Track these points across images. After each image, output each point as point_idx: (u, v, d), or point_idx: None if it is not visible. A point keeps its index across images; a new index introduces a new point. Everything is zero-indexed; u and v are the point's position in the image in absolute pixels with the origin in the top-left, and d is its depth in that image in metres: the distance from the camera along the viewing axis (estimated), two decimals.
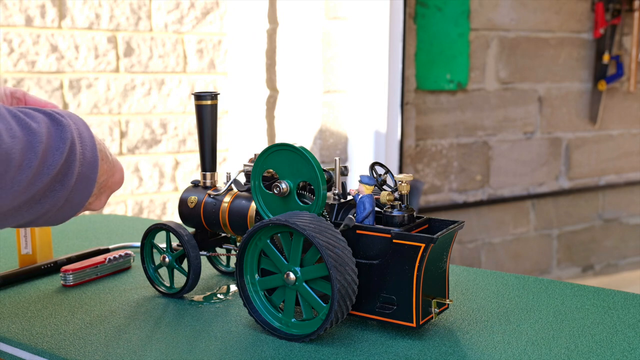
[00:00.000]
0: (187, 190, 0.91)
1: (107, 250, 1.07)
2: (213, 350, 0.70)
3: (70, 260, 1.00)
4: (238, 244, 0.93)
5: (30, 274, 0.95)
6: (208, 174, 0.90)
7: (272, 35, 2.20)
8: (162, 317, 0.80)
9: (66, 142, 0.61)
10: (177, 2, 2.20)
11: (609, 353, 0.69)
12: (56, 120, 0.61)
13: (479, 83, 2.73)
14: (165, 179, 2.26)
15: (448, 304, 0.76)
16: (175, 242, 0.89)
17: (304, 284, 0.72)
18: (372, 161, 0.83)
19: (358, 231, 0.73)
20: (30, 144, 0.57)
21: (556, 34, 2.89)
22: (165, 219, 2.28)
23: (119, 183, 0.74)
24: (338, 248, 0.69)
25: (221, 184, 0.89)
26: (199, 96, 0.88)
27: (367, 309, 0.73)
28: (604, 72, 2.96)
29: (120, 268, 0.99)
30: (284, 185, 0.75)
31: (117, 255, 0.98)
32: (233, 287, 0.91)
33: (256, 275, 0.76)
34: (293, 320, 0.74)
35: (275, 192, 0.76)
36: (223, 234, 0.92)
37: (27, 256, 1.00)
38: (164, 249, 0.88)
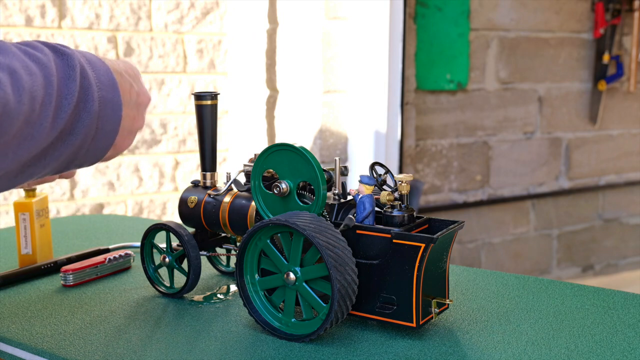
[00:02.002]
0: (187, 190, 0.91)
1: (107, 250, 1.07)
2: (213, 350, 0.70)
3: (70, 260, 1.00)
4: (238, 244, 0.93)
5: (30, 274, 0.95)
6: (208, 174, 0.90)
7: (272, 35, 2.20)
8: (162, 317, 0.80)
9: (75, 69, 0.60)
10: (177, 2, 2.20)
11: (609, 353, 0.69)
12: (59, 51, 0.61)
13: (479, 83, 2.73)
14: (165, 179, 2.26)
15: (448, 304, 0.76)
16: (175, 242, 0.89)
17: (304, 284, 0.72)
18: (372, 161, 0.83)
19: (358, 231, 0.73)
20: (47, 78, 0.57)
21: (556, 34, 2.89)
22: (165, 219, 2.28)
23: (147, 94, 0.73)
24: (338, 248, 0.69)
25: (221, 184, 0.89)
26: (199, 96, 0.88)
27: (367, 309, 0.73)
28: (604, 72, 2.96)
29: (120, 268, 0.99)
30: (284, 185, 0.75)
31: (117, 255, 0.98)
32: (233, 287, 0.91)
33: (256, 275, 0.76)
34: (293, 320, 0.74)
35: (275, 192, 0.76)
36: (223, 234, 0.92)
37: (27, 256, 1.00)
38: (164, 249, 0.88)
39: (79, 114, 0.60)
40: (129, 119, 0.68)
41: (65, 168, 0.64)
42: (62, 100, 0.58)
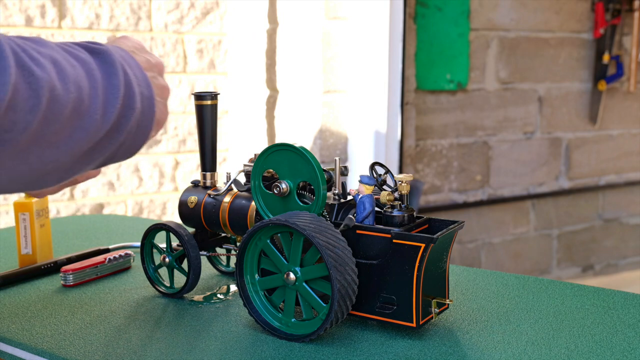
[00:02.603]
0: (187, 190, 0.91)
1: (107, 250, 1.07)
2: (213, 350, 0.70)
3: (70, 260, 1.00)
4: (238, 244, 0.93)
5: (30, 274, 0.95)
6: (208, 174, 0.90)
7: (272, 35, 2.20)
8: (162, 317, 0.80)
9: (115, 66, 0.60)
10: (177, 2, 2.20)
11: (609, 353, 0.69)
12: (95, 50, 0.61)
13: (479, 83, 2.73)
14: (165, 179, 2.26)
15: (448, 304, 0.76)
16: (175, 242, 0.89)
17: (304, 284, 0.72)
18: (372, 161, 0.83)
19: (358, 231, 0.73)
20: (89, 73, 0.57)
21: (556, 34, 2.89)
22: (165, 219, 2.28)
23: (158, 60, 0.72)
24: (338, 248, 0.69)
25: (221, 184, 0.89)
26: (199, 96, 0.88)
27: (367, 309, 0.73)
28: (604, 72, 2.96)
29: (120, 268, 0.99)
30: (284, 185, 0.75)
31: (117, 255, 0.98)
32: (233, 287, 0.91)
33: (256, 275, 0.76)
34: (293, 320, 0.74)
35: (275, 192, 0.76)
36: (223, 234, 0.92)
37: (27, 256, 1.00)
38: (164, 249, 0.88)
39: (124, 110, 0.59)
40: (159, 90, 0.69)
41: (102, 164, 0.63)
42: (108, 95, 0.58)
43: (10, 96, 0.47)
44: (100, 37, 2.08)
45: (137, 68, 0.64)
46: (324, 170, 0.76)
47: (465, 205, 2.78)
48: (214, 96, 0.88)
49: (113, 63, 0.60)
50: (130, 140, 0.62)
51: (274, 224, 0.71)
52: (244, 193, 0.85)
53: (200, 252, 0.88)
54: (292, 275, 0.72)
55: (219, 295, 0.88)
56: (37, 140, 0.52)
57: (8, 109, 0.47)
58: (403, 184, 0.74)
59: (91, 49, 0.60)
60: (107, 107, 0.57)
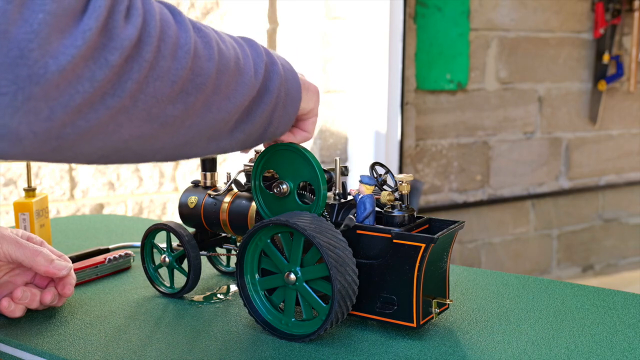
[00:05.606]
0: (187, 190, 0.91)
1: (107, 250, 1.06)
2: (213, 350, 0.70)
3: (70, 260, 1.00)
4: (238, 244, 0.93)
5: None
6: (208, 174, 0.90)
7: (272, 35, 2.20)
8: (162, 317, 0.80)
9: (253, 40, 0.68)
10: (177, 2, 2.20)
11: (609, 353, 0.69)
12: (248, 41, 0.67)
13: (479, 83, 2.73)
14: (165, 179, 2.26)
15: (448, 304, 0.76)
16: (175, 242, 0.89)
17: (304, 284, 0.72)
18: (372, 161, 0.83)
19: (358, 231, 0.73)
20: (234, 39, 0.65)
21: (556, 34, 2.89)
22: (165, 219, 2.28)
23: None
24: (338, 248, 0.69)
25: (221, 184, 0.89)
26: None
27: (367, 309, 0.73)
28: (604, 72, 2.95)
29: (120, 268, 0.99)
30: (284, 186, 0.75)
31: (117, 255, 0.98)
32: (233, 287, 0.91)
33: (256, 275, 0.76)
34: (293, 320, 0.74)
35: (276, 192, 0.76)
36: (223, 234, 0.92)
37: None
38: (164, 249, 0.88)
39: (270, 73, 0.66)
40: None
41: (264, 132, 0.68)
42: (255, 58, 0.65)
43: (193, 46, 0.55)
44: None
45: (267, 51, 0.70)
46: (324, 171, 0.76)
47: (465, 205, 2.78)
48: None
49: (251, 39, 0.68)
50: (282, 105, 0.68)
51: (275, 224, 0.71)
52: (244, 193, 0.85)
53: (201, 252, 0.88)
54: (292, 276, 0.72)
55: (219, 295, 0.88)
56: (216, 89, 0.59)
57: (194, 56, 0.55)
58: (403, 184, 0.74)
59: (246, 39, 0.68)
60: (257, 67, 0.65)
